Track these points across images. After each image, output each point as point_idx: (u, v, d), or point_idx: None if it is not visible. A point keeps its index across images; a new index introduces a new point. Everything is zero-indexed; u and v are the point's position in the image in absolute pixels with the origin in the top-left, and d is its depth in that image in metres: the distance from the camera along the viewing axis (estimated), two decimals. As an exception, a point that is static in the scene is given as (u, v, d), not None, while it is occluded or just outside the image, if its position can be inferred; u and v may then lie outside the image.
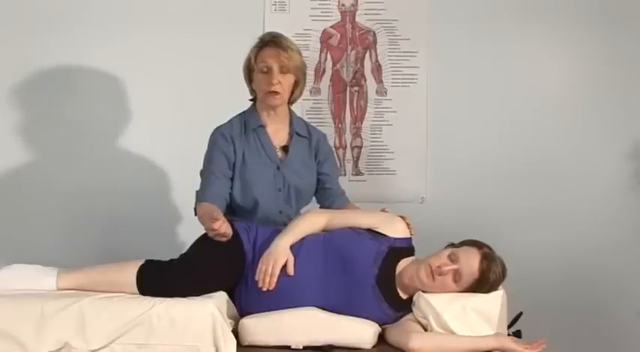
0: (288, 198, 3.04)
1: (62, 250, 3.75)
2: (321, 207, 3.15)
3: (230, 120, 3.11)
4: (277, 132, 3.07)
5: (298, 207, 3.09)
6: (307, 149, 3.10)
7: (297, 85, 3.05)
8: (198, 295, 2.63)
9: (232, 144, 3.02)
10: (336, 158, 3.90)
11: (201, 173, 3.06)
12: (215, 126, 3.84)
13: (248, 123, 3.07)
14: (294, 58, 2.98)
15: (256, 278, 2.67)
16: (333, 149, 3.74)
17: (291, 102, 3.10)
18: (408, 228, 2.82)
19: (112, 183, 3.87)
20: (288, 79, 2.99)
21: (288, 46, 2.98)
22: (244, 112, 3.12)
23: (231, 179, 3.00)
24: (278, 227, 2.86)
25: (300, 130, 3.10)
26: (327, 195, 3.14)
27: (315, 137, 3.13)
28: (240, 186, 3.01)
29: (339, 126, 3.94)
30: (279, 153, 3.06)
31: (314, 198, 3.19)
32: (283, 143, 3.08)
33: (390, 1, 3.92)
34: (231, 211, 3.00)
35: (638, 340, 3.95)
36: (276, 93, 2.96)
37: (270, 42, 2.98)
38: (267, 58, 2.96)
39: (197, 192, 3.07)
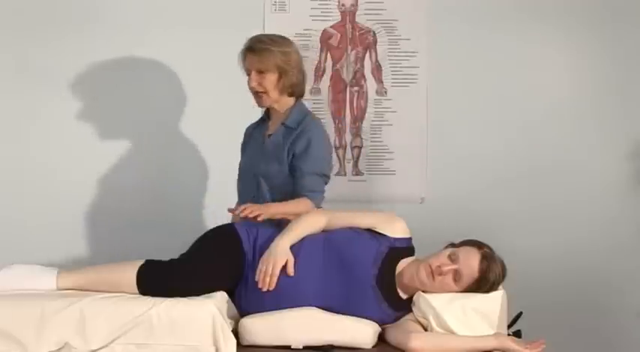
0: (258, 184, 3.12)
1: (62, 250, 3.75)
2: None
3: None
4: (274, 126, 3.18)
5: (272, 194, 3.11)
6: (285, 139, 3.12)
7: (283, 78, 3.10)
8: (198, 295, 2.63)
9: (246, 137, 3.31)
10: (337, 157, 3.91)
11: None
12: (216, 125, 3.87)
13: (262, 118, 3.27)
14: (268, 56, 3.07)
15: (256, 278, 2.67)
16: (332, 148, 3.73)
17: (294, 95, 3.16)
18: None
19: (113, 183, 3.87)
20: (269, 78, 3.09)
21: (261, 48, 3.08)
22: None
23: None
24: (278, 227, 2.86)
25: (291, 123, 3.14)
26: (294, 189, 3.09)
27: (299, 130, 3.12)
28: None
29: (339, 126, 3.94)
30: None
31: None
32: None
33: (390, 1, 3.92)
34: None
35: (638, 340, 3.94)
36: (259, 93, 3.11)
37: (247, 48, 3.13)
38: (246, 63, 3.14)
39: None
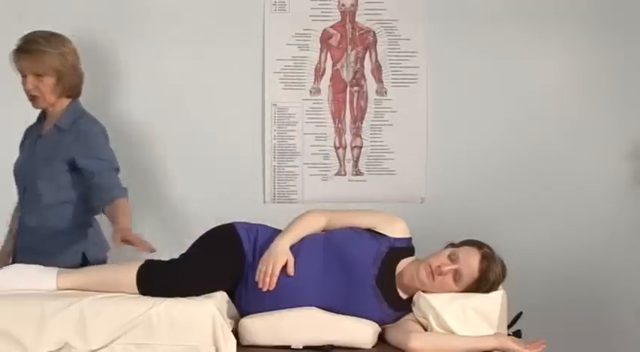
0: (25, 187, 3.09)
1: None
2: (93, 206, 3.05)
3: None
4: (47, 126, 3.13)
5: (41, 198, 3.04)
6: (58, 142, 3.06)
7: (61, 81, 3.05)
8: (198, 295, 2.63)
9: (23, 137, 3.22)
10: (337, 157, 3.92)
11: None
12: (215, 126, 3.87)
13: (39, 117, 3.20)
14: (44, 59, 3.00)
15: (256, 278, 2.68)
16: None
17: (72, 96, 3.12)
18: None
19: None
20: (46, 81, 3.02)
21: (37, 50, 3.00)
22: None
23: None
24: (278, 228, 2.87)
25: (64, 124, 3.08)
26: (93, 192, 2.99)
27: (74, 132, 3.06)
28: None
29: (339, 126, 3.94)
30: None
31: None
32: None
33: (390, 1, 3.91)
34: None
35: (638, 339, 3.95)
36: (35, 97, 3.05)
37: (19, 49, 3.02)
38: (19, 64, 3.03)
39: None
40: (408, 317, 2.72)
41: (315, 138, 3.92)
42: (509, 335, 2.72)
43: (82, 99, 3.15)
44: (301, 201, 3.87)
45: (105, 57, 3.85)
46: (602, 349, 3.94)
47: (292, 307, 2.66)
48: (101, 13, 3.84)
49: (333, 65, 3.93)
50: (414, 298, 2.71)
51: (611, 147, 3.95)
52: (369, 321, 2.68)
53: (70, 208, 3.06)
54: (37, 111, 3.21)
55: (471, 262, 2.65)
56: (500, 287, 2.73)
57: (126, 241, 2.73)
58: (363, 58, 3.93)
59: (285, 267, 2.67)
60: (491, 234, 2.87)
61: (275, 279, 2.66)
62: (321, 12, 3.91)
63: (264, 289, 2.66)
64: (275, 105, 3.89)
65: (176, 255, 2.78)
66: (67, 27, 3.25)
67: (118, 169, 3.06)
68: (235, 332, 2.62)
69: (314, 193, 3.90)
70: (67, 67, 3.05)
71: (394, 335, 2.66)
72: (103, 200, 2.92)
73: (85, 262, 3.04)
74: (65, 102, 3.11)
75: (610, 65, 3.95)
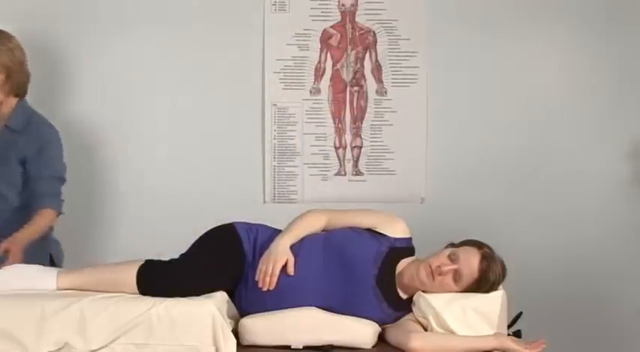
0: None
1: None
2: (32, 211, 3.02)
3: None
4: None
5: (5, 204, 3.03)
6: (10, 143, 3.03)
7: (10, 78, 3.01)
8: (198, 295, 2.63)
9: None
10: (337, 157, 3.92)
11: None
12: (214, 127, 3.87)
13: None
14: None
15: (256, 278, 2.68)
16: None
17: (19, 95, 3.08)
18: None
19: (112, 183, 3.87)
20: None
21: None
22: None
23: None
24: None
25: (15, 125, 3.04)
26: (31, 197, 3.00)
27: (29, 133, 3.03)
28: None
29: (339, 126, 3.94)
30: None
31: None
32: None
33: (390, 1, 3.92)
34: None
35: (638, 340, 3.95)
36: None
37: None
38: None
39: None
40: (408, 317, 2.72)
41: (315, 138, 3.92)
42: (509, 335, 2.72)
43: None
44: (301, 201, 3.87)
45: (99, 57, 3.86)
46: (603, 349, 3.94)
47: (292, 307, 2.65)
48: (98, 12, 3.85)
49: (333, 65, 3.94)
50: (414, 298, 2.71)
51: (611, 147, 3.95)
52: (369, 321, 2.67)
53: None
54: None
55: (471, 262, 2.65)
56: (500, 287, 2.73)
57: (6, 253, 2.78)
58: (363, 58, 3.93)
59: (285, 267, 2.67)
60: (491, 234, 2.88)
61: (275, 279, 2.66)
62: (321, 12, 3.91)
63: (265, 289, 2.66)
64: (275, 105, 3.89)
65: (176, 255, 2.78)
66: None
67: (60, 178, 3.05)
68: (235, 332, 2.62)
69: (314, 193, 3.90)
70: (16, 63, 3.01)
71: (394, 335, 2.66)
72: (34, 205, 2.94)
73: (52, 263, 3.05)
74: (13, 101, 3.07)
75: (610, 65, 3.95)
